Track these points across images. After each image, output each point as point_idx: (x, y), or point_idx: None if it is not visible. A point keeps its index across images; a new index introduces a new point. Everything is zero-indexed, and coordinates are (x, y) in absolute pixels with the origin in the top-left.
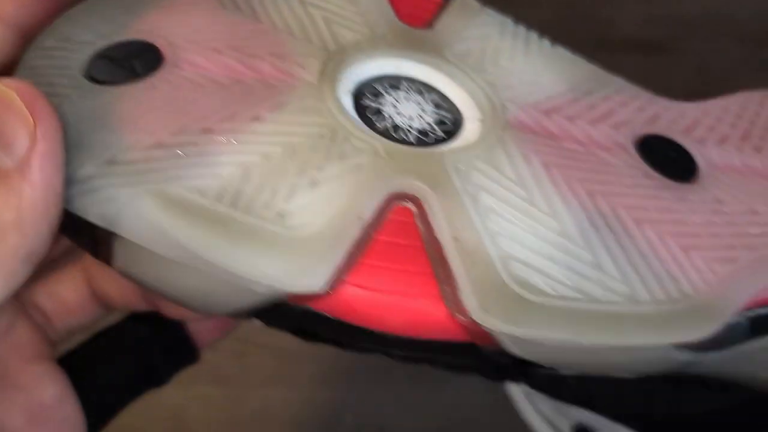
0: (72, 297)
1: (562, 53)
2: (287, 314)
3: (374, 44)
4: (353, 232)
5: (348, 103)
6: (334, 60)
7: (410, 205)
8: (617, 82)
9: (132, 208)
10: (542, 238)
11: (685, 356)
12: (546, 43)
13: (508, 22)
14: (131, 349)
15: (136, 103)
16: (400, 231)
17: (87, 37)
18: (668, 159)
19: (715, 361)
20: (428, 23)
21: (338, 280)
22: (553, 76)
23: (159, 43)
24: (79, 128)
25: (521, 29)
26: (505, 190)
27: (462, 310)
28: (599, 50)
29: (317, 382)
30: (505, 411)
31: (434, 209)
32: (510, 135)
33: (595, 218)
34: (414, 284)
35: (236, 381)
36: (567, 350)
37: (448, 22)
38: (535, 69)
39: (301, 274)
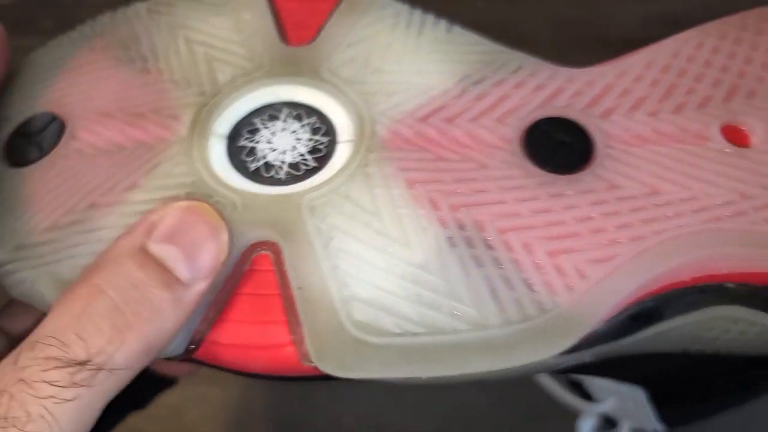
0: None
1: (458, 37)
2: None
3: (250, 78)
4: (207, 299)
5: (220, 150)
6: (208, 105)
7: (270, 253)
8: (518, 58)
9: (36, 290)
10: (393, 273)
11: (551, 360)
12: (441, 27)
13: (403, 10)
14: None
15: (38, 183)
16: (258, 281)
17: (6, 112)
18: (555, 149)
19: (611, 349)
20: (314, 36)
21: (201, 339)
22: (443, 68)
23: (61, 112)
24: None
25: (416, 16)
26: (358, 226)
27: (306, 357)
28: (598, 50)
29: (317, 382)
30: (505, 411)
31: (286, 258)
32: (376, 157)
33: (454, 235)
34: (270, 334)
35: (236, 381)
36: (415, 379)
37: (332, 31)
38: (423, 65)
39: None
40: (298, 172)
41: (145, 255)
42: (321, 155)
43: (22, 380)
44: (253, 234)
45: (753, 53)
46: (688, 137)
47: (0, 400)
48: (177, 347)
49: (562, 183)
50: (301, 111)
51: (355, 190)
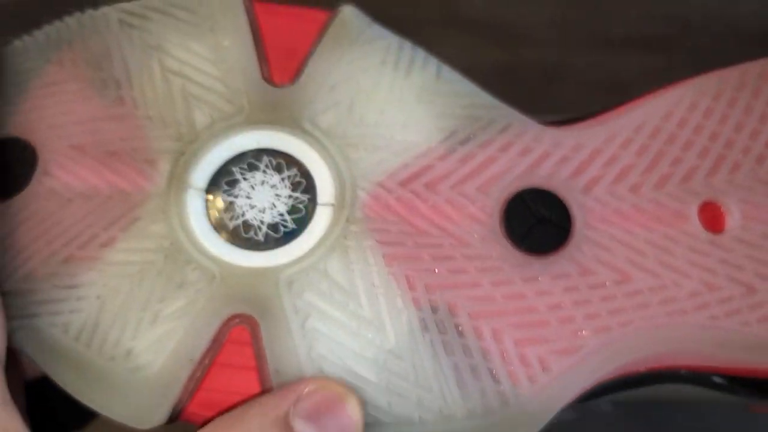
0: None
1: (446, 85)
2: None
3: (230, 124)
4: (186, 373)
5: (198, 206)
6: (186, 153)
7: (247, 327)
8: (506, 115)
9: (14, 339)
10: (366, 358)
11: None
12: (431, 71)
13: (392, 45)
14: None
15: (12, 222)
16: (236, 353)
17: None
18: (534, 226)
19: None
20: (298, 71)
21: (179, 409)
22: (430, 122)
23: (31, 139)
24: None
25: (405, 53)
26: (334, 306)
27: None
28: (599, 50)
29: None
30: None
31: (263, 335)
32: (356, 229)
33: (427, 319)
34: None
35: None
36: None
37: (315, 68)
38: (409, 116)
39: (145, 415)
40: (277, 234)
41: (287, 427)
42: (300, 215)
43: None
44: (232, 307)
45: (745, 118)
46: (667, 216)
47: None
48: (160, 418)
49: (538, 266)
50: (281, 160)
51: (333, 266)
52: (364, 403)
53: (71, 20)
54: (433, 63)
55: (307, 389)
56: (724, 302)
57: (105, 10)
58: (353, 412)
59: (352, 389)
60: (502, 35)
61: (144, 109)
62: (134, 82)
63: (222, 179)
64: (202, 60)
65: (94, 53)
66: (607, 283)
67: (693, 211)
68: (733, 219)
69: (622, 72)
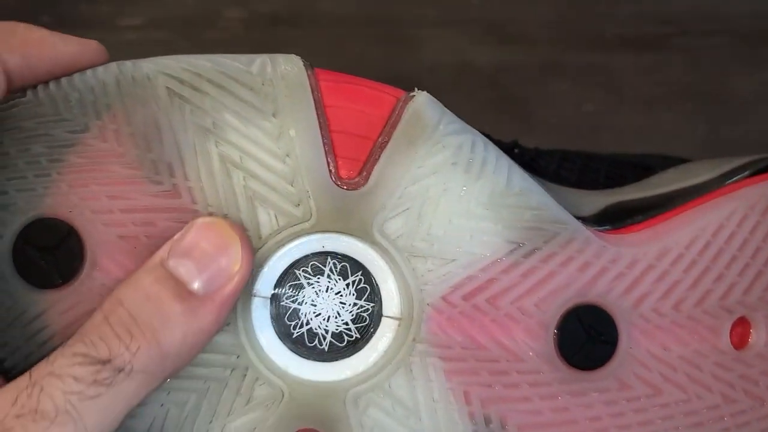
0: None
1: (517, 192)
2: None
3: (297, 231)
4: None
5: (264, 316)
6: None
7: None
8: (571, 229)
9: None
10: None
11: None
12: (502, 174)
13: (465, 143)
14: None
15: (65, 319)
16: None
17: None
18: (584, 344)
19: None
20: (366, 165)
21: None
22: (496, 234)
23: (75, 223)
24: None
25: (478, 153)
26: (396, 422)
27: None
28: (593, 49)
29: None
30: None
31: None
32: (421, 349)
33: (480, 431)
34: None
35: None
36: None
37: (386, 171)
38: (476, 226)
39: None
40: (341, 344)
41: (162, 270)
42: (364, 324)
43: (51, 373)
44: (301, 422)
45: None
46: (701, 333)
47: (32, 392)
48: None
49: (584, 382)
50: (347, 264)
51: (398, 383)
52: (253, 260)
53: (108, 77)
54: (504, 166)
55: (178, 233)
56: (737, 415)
57: (148, 70)
58: (223, 231)
59: (247, 237)
60: (497, 34)
61: (203, 204)
62: (189, 170)
63: (286, 283)
64: (265, 152)
65: (141, 127)
66: (641, 396)
67: (726, 328)
68: (758, 335)
69: (616, 70)
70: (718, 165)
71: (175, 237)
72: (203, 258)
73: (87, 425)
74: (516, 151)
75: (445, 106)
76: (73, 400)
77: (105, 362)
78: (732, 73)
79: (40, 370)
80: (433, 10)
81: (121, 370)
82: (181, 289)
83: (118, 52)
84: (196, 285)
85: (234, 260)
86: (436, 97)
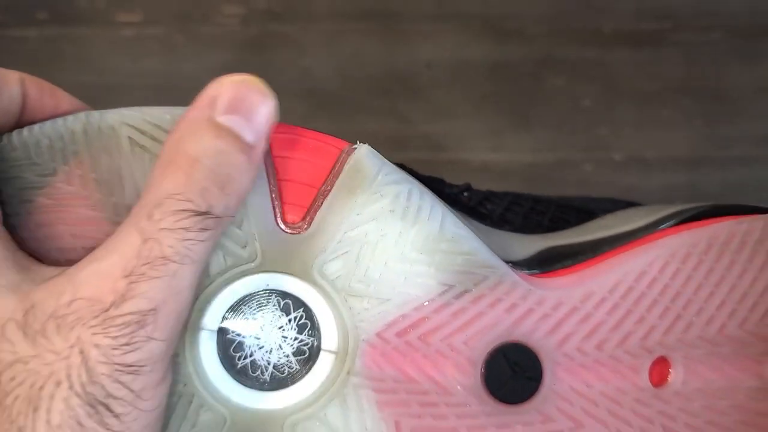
0: None
1: (450, 238)
2: None
3: (243, 271)
4: None
5: (210, 348)
6: (200, 297)
7: None
8: (499, 273)
9: None
10: None
11: None
12: (436, 220)
13: (401, 192)
14: None
15: None
16: None
17: None
18: (510, 378)
19: None
20: (309, 212)
21: None
22: (430, 274)
23: (46, 263)
24: None
25: (413, 202)
26: None
27: None
28: (589, 44)
29: None
30: None
31: None
32: (355, 381)
33: None
34: None
35: None
36: None
37: (328, 216)
38: (410, 269)
39: None
40: (282, 374)
41: (216, 126)
42: (304, 357)
43: (163, 228)
44: None
45: (704, 281)
46: (622, 371)
47: (152, 246)
48: None
49: (510, 415)
50: (289, 301)
51: (332, 412)
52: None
53: (76, 125)
54: (438, 213)
55: (213, 91)
56: None
57: (112, 121)
58: (261, 87)
59: (270, 93)
60: (494, 30)
61: None
62: None
63: (232, 317)
64: None
65: (105, 174)
66: (564, 430)
67: (646, 366)
68: (676, 373)
69: (613, 66)
70: (652, 212)
71: (211, 94)
72: (249, 112)
73: (201, 264)
74: (465, 194)
75: (443, 102)
76: (189, 246)
77: (205, 213)
78: (729, 69)
79: (148, 228)
80: (431, 5)
81: (217, 216)
82: (239, 142)
83: (115, 47)
84: (249, 137)
85: (273, 110)
86: (433, 92)
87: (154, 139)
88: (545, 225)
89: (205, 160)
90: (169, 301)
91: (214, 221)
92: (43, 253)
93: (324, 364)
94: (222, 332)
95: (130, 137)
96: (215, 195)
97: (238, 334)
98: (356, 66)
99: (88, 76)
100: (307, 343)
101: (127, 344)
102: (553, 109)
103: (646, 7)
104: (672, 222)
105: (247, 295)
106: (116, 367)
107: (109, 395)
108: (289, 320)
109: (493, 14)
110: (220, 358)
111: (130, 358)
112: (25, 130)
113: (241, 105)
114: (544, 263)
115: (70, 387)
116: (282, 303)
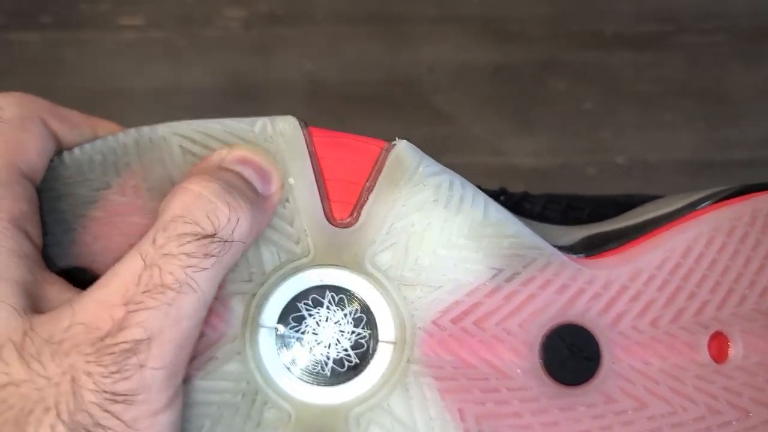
0: None
1: (494, 223)
2: None
3: (297, 266)
4: None
5: (270, 345)
6: (257, 295)
7: None
8: (547, 254)
9: None
10: None
11: None
12: (479, 208)
13: (443, 184)
14: None
15: None
16: None
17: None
18: (568, 360)
19: None
20: (356, 207)
21: None
22: (478, 262)
23: (101, 271)
24: None
25: (456, 191)
26: None
27: None
28: (591, 46)
29: None
30: None
31: None
32: (415, 369)
33: None
34: None
35: None
36: None
37: (374, 209)
38: (459, 256)
39: None
40: (342, 369)
41: (227, 169)
42: (362, 350)
43: (165, 254)
44: None
45: (753, 254)
46: (680, 348)
47: (152, 272)
48: None
49: (572, 397)
50: (343, 295)
51: (395, 402)
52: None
53: (127, 140)
54: (480, 201)
55: (222, 152)
56: (723, 426)
57: (163, 132)
58: (267, 156)
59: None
60: (496, 33)
61: None
62: None
63: (289, 315)
64: None
65: (157, 182)
66: (628, 409)
67: (703, 342)
68: (736, 349)
69: (614, 69)
70: (688, 196)
71: (220, 152)
72: (259, 169)
73: (204, 292)
74: (502, 198)
75: (444, 105)
76: (190, 273)
77: (211, 236)
78: (731, 71)
79: (151, 255)
80: (433, 8)
81: (225, 240)
82: (250, 186)
83: (118, 50)
84: (260, 187)
85: (280, 178)
86: (435, 95)
87: (205, 146)
88: (585, 219)
89: (218, 181)
90: (166, 330)
91: (221, 246)
92: (100, 267)
93: (383, 355)
94: (280, 329)
95: (181, 146)
96: (225, 216)
97: (297, 329)
98: (358, 69)
99: (91, 78)
100: (364, 336)
101: (117, 372)
102: (555, 112)
103: (648, 10)
104: (710, 201)
105: (302, 292)
106: (106, 395)
107: (98, 424)
108: (345, 315)
109: (494, 17)
110: (280, 355)
111: (120, 387)
112: (77, 150)
113: (252, 163)
114: (589, 248)
115: (58, 414)
116: (336, 299)
